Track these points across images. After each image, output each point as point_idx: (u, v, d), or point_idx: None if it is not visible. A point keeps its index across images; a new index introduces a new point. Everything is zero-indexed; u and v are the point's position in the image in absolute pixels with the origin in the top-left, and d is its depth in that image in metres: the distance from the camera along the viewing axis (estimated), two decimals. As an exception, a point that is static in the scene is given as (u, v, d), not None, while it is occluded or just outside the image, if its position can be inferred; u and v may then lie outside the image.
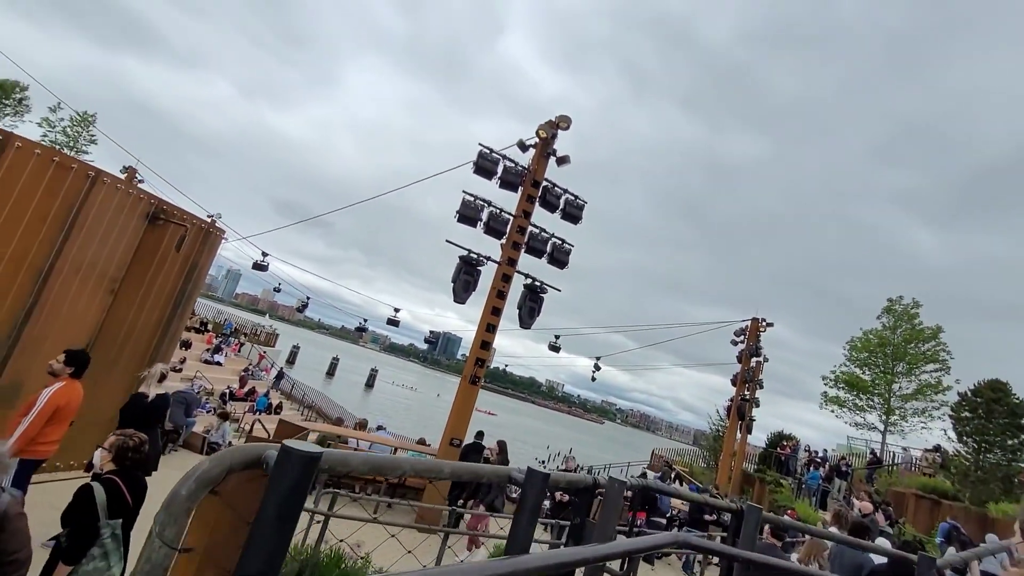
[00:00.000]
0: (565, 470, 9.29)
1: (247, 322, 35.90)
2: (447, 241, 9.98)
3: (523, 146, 10.73)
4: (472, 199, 10.22)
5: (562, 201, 11.02)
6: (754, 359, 19.18)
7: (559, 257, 10.89)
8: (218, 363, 26.53)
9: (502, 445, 10.60)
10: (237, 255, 26.42)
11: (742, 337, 19.17)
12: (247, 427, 18.99)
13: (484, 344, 10.07)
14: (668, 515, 10.76)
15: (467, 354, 10.37)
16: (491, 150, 10.42)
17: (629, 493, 2.20)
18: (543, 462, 38.12)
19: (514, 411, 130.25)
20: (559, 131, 10.67)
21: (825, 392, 24.56)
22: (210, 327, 28.28)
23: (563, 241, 11.07)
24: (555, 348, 18.55)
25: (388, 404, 62.29)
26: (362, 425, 10.67)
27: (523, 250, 10.57)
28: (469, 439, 10.49)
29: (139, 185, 26.26)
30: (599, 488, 1.98)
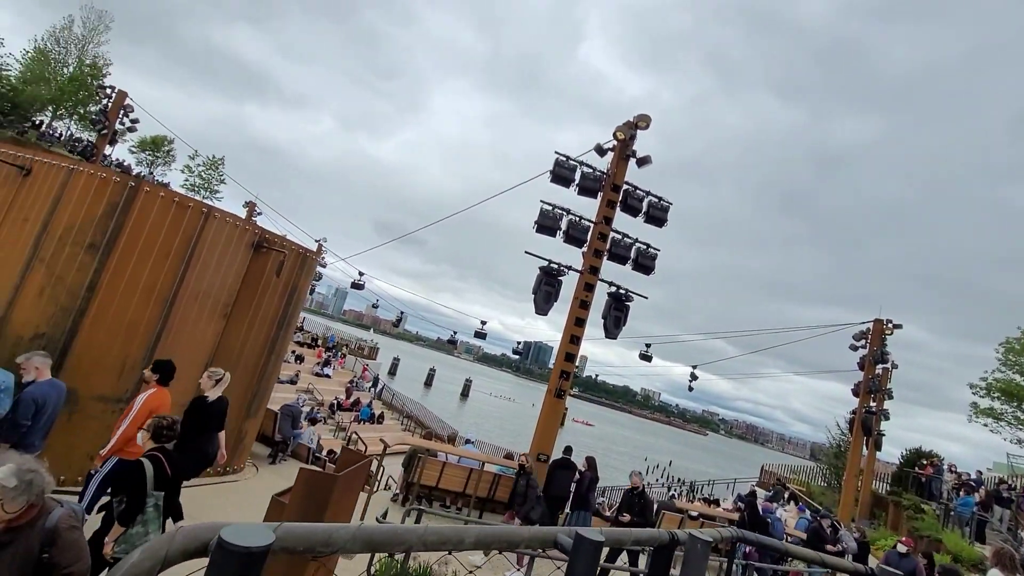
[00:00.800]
0: (631, 489, 8.63)
1: (352, 337, 38.42)
2: (526, 252, 9.85)
3: (601, 150, 10.34)
4: (550, 208, 10.01)
5: (645, 204, 10.45)
6: (879, 366, 16.88)
7: (644, 263, 10.31)
8: (327, 375, 28.58)
9: (591, 462, 10.15)
10: (343, 275, 28.52)
11: (863, 341, 16.97)
12: (353, 435, 20.21)
13: (568, 356, 9.75)
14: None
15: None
16: (567, 157, 10.16)
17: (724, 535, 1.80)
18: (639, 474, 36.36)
19: (610, 421, 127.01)
20: (638, 131, 10.16)
21: (975, 403, 20.99)
22: (319, 342, 30.58)
23: (648, 246, 10.47)
24: (646, 357, 17.66)
25: (482, 414, 63.53)
26: (451, 438, 10.78)
27: (605, 257, 10.14)
28: (557, 453, 10.18)
29: (256, 216, 29.21)
30: (679, 544, 1.63)
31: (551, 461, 10.09)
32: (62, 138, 30.57)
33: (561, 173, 10.08)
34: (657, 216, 10.41)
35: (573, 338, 9.75)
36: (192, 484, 8.12)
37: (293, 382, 25.65)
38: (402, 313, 23.31)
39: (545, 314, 9.76)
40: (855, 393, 17.10)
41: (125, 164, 34.33)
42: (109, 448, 4.97)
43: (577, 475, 10.13)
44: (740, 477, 24.87)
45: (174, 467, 3.82)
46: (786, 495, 20.93)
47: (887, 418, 17.19)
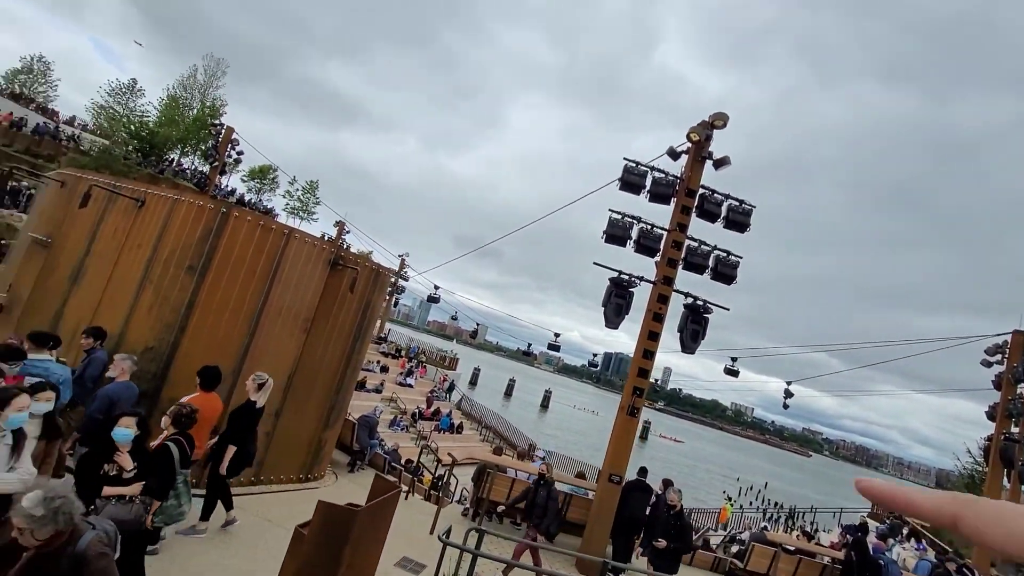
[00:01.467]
0: (669, 507, 7.81)
1: (432, 347, 39.60)
2: (595, 263, 9.45)
3: (674, 154, 9.75)
4: (619, 217, 9.57)
5: (724, 208, 9.68)
6: (1021, 385, 14.34)
7: (724, 271, 9.52)
8: (410, 385, 29.61)
9: (669, 485, 9.47)
10: (425, 287, 29.55)
11: (999, 356, 14.53)
12: (434, 445, 20.69)
13: (642, 372, 9.19)
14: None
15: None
16: (637, 163, 9.68)
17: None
18: (730, 498, 34.14)
19: (697, 436, 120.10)
20: (714, 131, 9.46)
21: None
22: (403, 353, 31.79)
23: (728, 253, 9.67)
24: (732, 372, 16.39)
25: (562, 426, 62.70)
26: (523, 454, 10.57)
27: (681, 267, 9.49)
28: (630, 475, 9.60)
29: (345, 235, 31.02)
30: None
31: (624, 483, 9.55)
32: (188, 172, 34.72)
33: (631, 180, 9.62)
34: (738, 221, 9.59)
35: (647, 353, 9.18)
36: (279, 489, 8.60)
37: (378, 391, 26.84)
38: (478, 325, 23.60)
39: (616, 327, 9.29)
40: (991, 417, 14.64)
41: (236, 192, 38.24)
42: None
43: (653, 498, 9.53)
44: (848, 506, 22.21)
45: (193, 449, 4.44)
46: (904, 531, 18.35)
47: (1035, 447, 14.52)
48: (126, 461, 3.92)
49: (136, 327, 7.62)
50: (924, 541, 17.20)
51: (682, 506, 7.98)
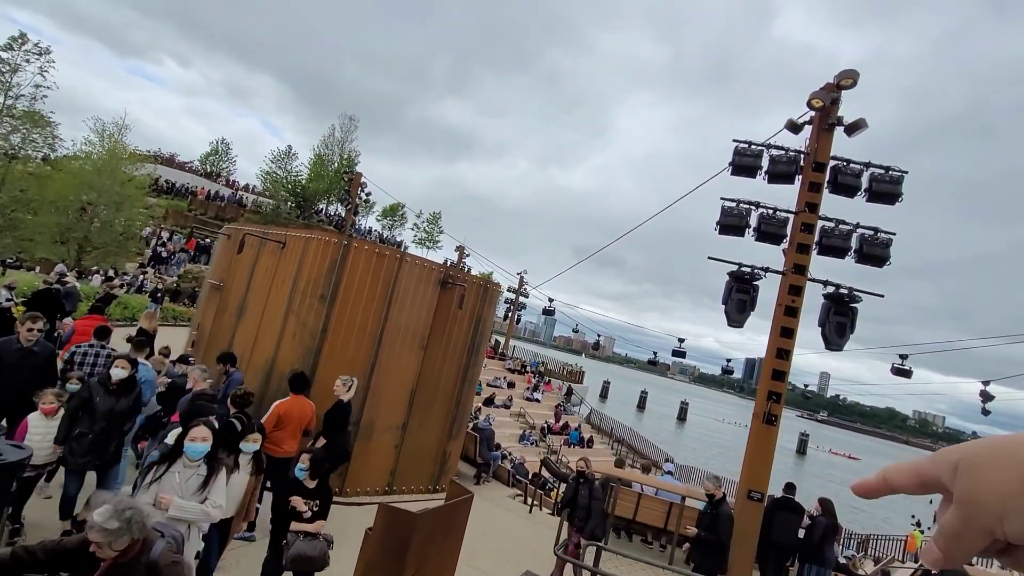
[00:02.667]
0: (709, 496, 6.44)
1: (558, 361, 39.57)
2: (709, 258, 8.61)
3: (794, 127, 8.59)
4: (733, 205, 8.62)
5: (865, 179, 8.23)
6: None
7: (872, 252, 8.03)
8: (536, 400, 29.82)
9: (826, 504, 8.14)
10: (547, 303, 29.80)
11: None
12: (566, 459, 20.49)
13: (776, 374, 8.07)
14: None
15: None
16: (749, 143, 8.68)
17: None
18: (919, 523, 28.62)
19: (874, 452, 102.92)
20: (841, 93, 8.14)
21: None
22: (526, 368, 32.21)
23: (876, 230, 8.17)
24: (903, 372, 13.78)
25: (701, 439, 58.27)
26: (647, 468, 9.88)
27: (815, 252, 8.23)
28: (771, 490, 8.42)
29: (466, 257, 32.58)
30: None
31: (769, 501, 8.40)
32: (333, 218, 39.56)
33: (743, 162, 8.64)
34: (884, 191, 8.06)
35: (780, 352, 8.05)
36: (410, 499, 9.04)
37: (507, 406, 27.45)
38: (599, 336, 23.03)
39: (740, 325, 8.30)
40: None
41: (373, 231, 42.52)
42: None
43: (807, 520, 8.25)
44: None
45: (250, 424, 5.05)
46: None
47: None
48: (299, 503, 4.08)
49: (284, 351, 8.64)
50: None
51: (724, 495, 6.93)
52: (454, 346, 9.44)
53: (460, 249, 30.56)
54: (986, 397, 15.38)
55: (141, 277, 23.72)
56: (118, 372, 4.85)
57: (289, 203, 35.78)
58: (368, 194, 21.99)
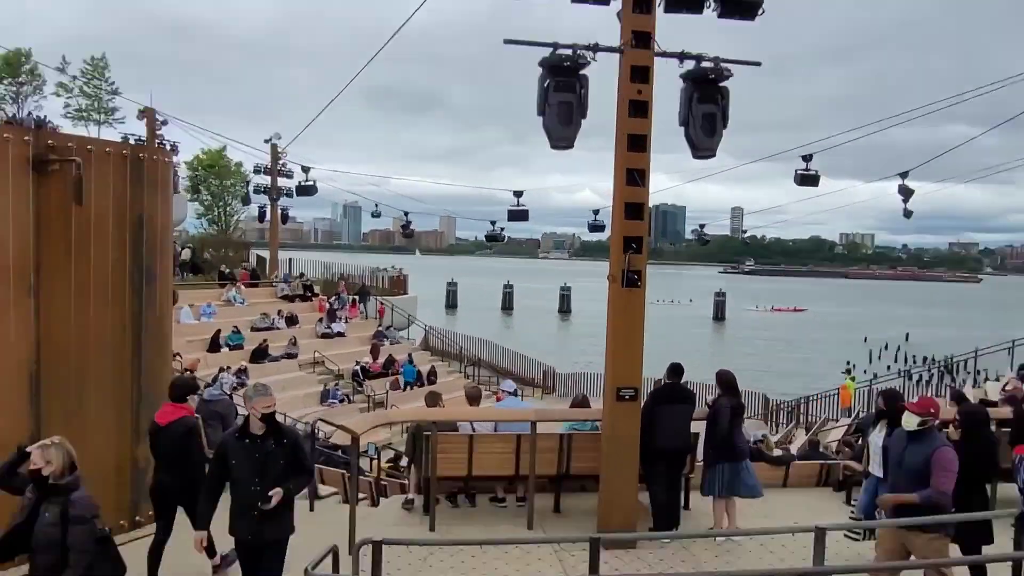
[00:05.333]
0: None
1: (366, 269, 38.82)
2: (506, 41, 8.00)
3: None
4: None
5: None
6: None
7: (738, -5, 8.07)
8: (339, 334, 29.06)
9: (725, 379, 8.90)
10: (343, 189, 27.95)
11: None
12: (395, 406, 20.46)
13: (632, 209, 8.07)
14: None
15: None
16: None
17: None
18: (851, 370, 35.24)
19: (804, 296, 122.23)
20: None
21: None
22: (314, 289, 30.99)
23: (741, -40, 8.15)
24: (809, 178, 15.41)
25: (599, 335, 63.78)
26: (473, 396, 9.87)
27: (660, 7, 8.02)
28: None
29: (162, 127, 28.85)
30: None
31: (649, 396, 8.91)
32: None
33: None
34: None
35: (631, 176, 8.00)
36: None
37: (292, 356, 26.36)
38: (406, 214, 22.54)
39: (570, 145, 8.03)
40: None
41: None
42: None
43: (708, 409, 8.96)
44: (1021, 336, 22.27)
45: None
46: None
47: None
48: None
49: None
50: None
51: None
52: (99, 275, 8.06)
53: (148, 112, 26.59)
54: (906, 193, 18.06)
55: None
56: None
57: None
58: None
